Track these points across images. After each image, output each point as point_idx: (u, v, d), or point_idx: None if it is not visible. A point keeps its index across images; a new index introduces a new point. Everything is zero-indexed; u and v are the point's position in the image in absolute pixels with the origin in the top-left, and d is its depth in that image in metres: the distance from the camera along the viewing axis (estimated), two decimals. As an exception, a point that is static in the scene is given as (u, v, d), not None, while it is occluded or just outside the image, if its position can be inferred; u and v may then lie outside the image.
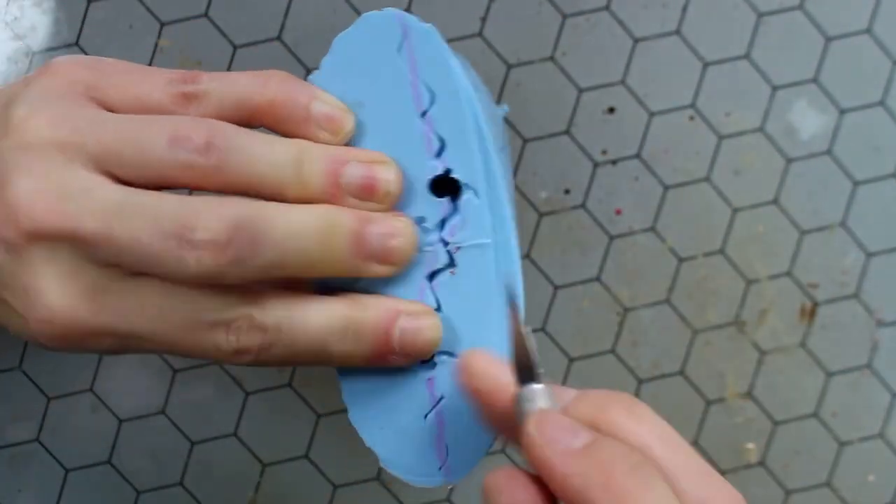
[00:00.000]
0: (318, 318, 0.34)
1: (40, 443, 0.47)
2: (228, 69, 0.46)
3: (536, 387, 0.30)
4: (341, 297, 0.35)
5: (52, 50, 0.46)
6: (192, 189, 0.34)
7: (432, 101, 0.36)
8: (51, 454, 0.46)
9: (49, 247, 0.33)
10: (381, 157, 0.35)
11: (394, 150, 0.36)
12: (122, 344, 0.34)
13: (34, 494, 0.46)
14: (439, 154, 0.36)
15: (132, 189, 0.33)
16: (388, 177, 0.35)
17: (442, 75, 0.36)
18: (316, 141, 0.35)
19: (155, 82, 0.35)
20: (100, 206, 0.32)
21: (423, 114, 0.36)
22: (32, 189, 0.33)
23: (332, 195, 0.34)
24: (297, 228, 0.33)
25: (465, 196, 0.36)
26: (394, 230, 0.35)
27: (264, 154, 0.34)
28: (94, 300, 0.33)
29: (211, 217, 0.32)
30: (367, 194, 0.35)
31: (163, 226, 0.32)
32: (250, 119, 0.35)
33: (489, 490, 0.30)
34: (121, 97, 0.35)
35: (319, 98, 0.35)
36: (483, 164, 0.36)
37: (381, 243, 0.34)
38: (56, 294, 0.33)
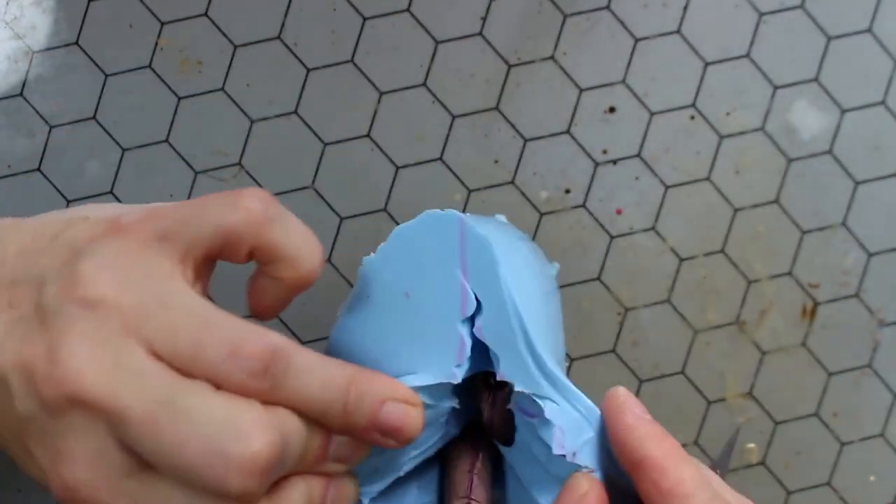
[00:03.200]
0: None
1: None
2: (228, 69, 0.46)
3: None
4: None
5: (52, 49, 0.46)
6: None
7: (479, 311, 0.36)
8: (50, 454, 0.46)
9: (88, 417, 0.31)
10: (414, 398, 0.35)
11: (426, 346, 0.36)
12: None
13: (35, 494, 0.46)
14: (473, 357, 0.36)
15: (183, 382, 0.31)
16: (416, 424, 0.34)
17: (491, 286, 0.36)
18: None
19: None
20: (151, 395, 0.31)
21: (468, 320, 0.36)
22: (87, 355, 0.31)
23: (366, 432, 0.34)
24: None
25: (547, 407, 0.35)
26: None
27: (318, 386, 0.33)
28: (119, 485, 0.32)
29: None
30: (392, 434, 0.34)
31: (209, 441, 0.31)
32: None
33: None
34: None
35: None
36: (539, 370, 0.36)
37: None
38: (83, 467, 0.31)
